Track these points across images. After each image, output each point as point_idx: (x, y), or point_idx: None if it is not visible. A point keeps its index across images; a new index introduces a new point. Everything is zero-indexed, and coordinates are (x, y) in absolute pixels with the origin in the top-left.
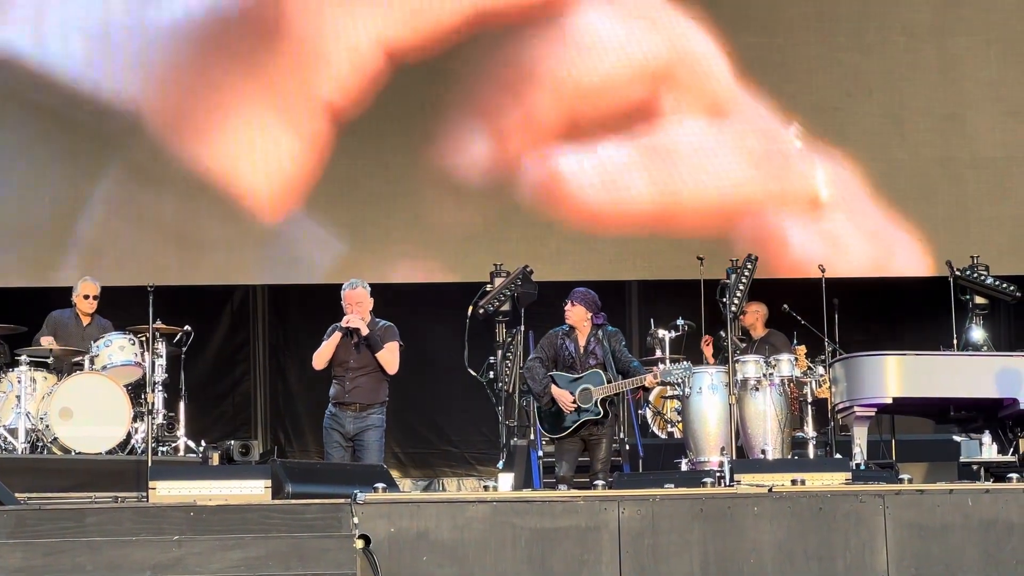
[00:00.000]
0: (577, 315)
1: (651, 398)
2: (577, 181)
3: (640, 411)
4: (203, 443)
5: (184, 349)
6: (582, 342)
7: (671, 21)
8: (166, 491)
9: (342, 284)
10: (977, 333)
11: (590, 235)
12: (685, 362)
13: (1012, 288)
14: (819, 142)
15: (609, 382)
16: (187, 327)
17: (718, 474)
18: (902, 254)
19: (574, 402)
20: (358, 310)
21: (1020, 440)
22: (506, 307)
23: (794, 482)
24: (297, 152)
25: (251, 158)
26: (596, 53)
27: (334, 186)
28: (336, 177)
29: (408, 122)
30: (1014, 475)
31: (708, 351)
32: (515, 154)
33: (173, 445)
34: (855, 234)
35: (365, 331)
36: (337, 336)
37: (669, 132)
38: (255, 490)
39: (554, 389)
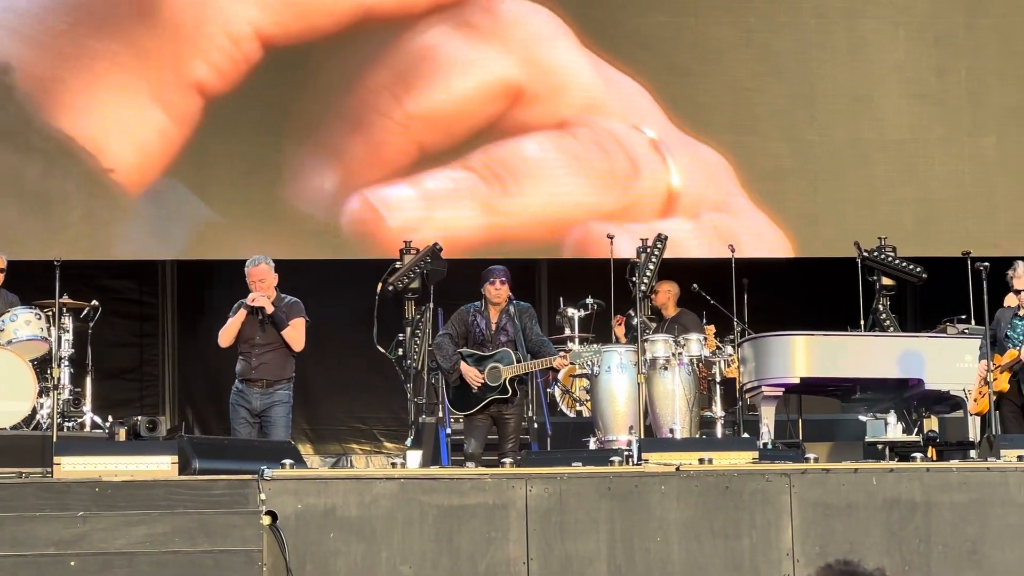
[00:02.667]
0: (504, 294)
1: (560, 377)
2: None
3: (549, 389)
4: (109, 419)
5: (91, 324)
6: (494, 319)
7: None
8: (71, 467)
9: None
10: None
11: None
12: (595, 344)
13: (918, 269)
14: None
15: (519, 361)
16: (94, 302)
17: (626, 453)
18: (810, 235)
19: (482, 380)
20: (262, 287)
21: (924, 420)
22: (415, 284)
23: (701, 461)
24: (165, 127)
25: (119, 130)
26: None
27: (199, 162)
28: (201, 153)
29: (276, 106)
30: (918, 455)
31: (620, 331)
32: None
33: (79, 421)
34: (762, 217)
35: (270, 309)
36: (242, 313)
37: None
38: (162, 466)
39: (463, 366)
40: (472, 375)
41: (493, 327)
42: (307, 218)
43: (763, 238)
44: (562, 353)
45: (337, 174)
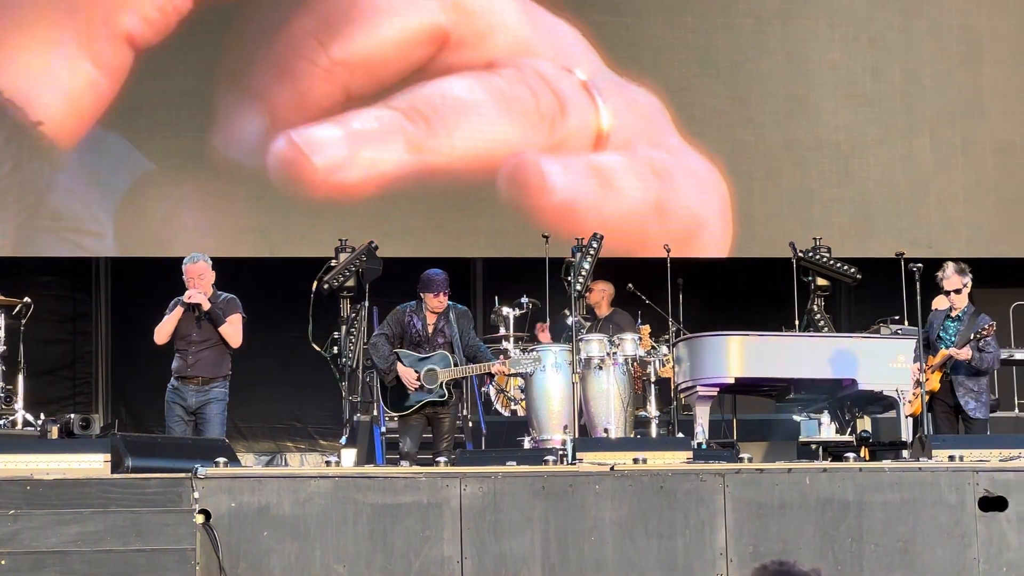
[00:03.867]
0: (445, 304)
1: (495, 376)
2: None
3: (483, 388)
4: (42, 416)
5: (23, 321)
6: (431, 320)
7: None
8: (2, 465)
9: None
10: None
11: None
12: (535, 352)
13: (853, 270)
14: None
15: (456, 364)
16: (27, 299)
17: (560, 452)
18: (746, 235)
19: (418, 381)
20: (199, 283)
21: (857, 420)
22: (351, 282)
23: (636, 461)
24: (95, 78)
25: (48, 82)
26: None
27: (131, 113)
28: (133, 104)
29: (205, 55)
30: (851, 455)
31: (544, 337)
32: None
33: (11, 419)
34: (697, 157)
35: (206, 306)
36: (179, 310)
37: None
38: (94, 464)
39: (399, 367)
40: (409, 377)
41: (430, 328)
42: (237, 165)
43: (699, 178)
44: (501, 359)
45: (264, 119)
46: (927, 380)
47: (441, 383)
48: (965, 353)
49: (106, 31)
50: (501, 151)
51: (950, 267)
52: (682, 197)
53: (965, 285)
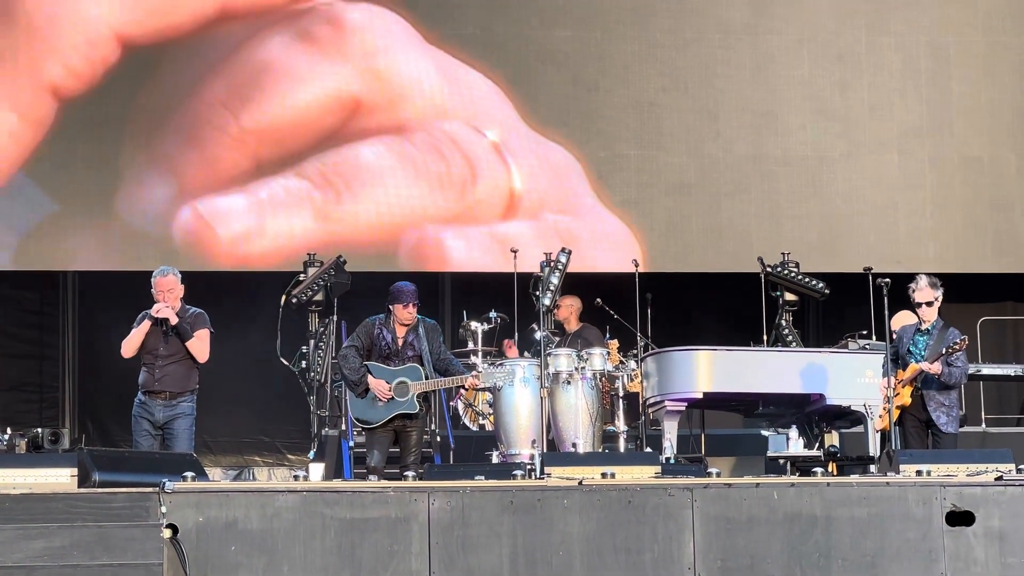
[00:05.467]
0: (414, 316)
1: (463, 390)
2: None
3: (452, 403)
4: (8, 431)
5: None
6: (400, 334)
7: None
8: None
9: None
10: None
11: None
12: (507, 365)
13: (821, 285)
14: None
15: (427, 378)
16: None
17: (528, 466)
18: (714, 250)
19: (390, 394)
20: (168, 297)
21: (825, 435)
22: (319, 297)
23: (604, 475)
24: (15, 129)
25: None
26: None
27: (50, 163)
28: (52, 155)
29: (121, 112)
30: (819, 469)
31: (511, 353)
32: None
33: None
34: (612, 219)
35: (174, 320)
36: (147, 324)
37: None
38: (61, 479)
39: (370, 379)
40: (381, 388)
41: (400, 341)
42: (141, 227)
43: (610, 240)
44: (474, 373)
45: (172, 186)
46: (898, 394)
47: (412, 395)
48: (935, 368)
49: (31, 81)
50: (408, 219)
51: (923, 279)
52: (587, 260)
53: (936, 299)
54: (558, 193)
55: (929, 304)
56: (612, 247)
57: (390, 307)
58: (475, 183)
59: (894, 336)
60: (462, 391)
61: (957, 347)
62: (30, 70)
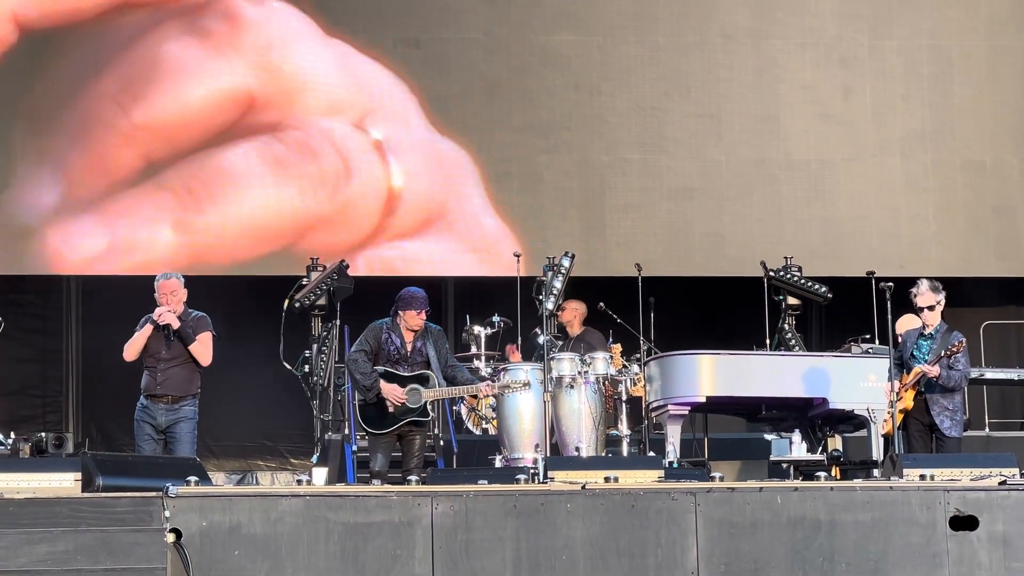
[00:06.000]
0: (423, 320)
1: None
2: None
3: (455, 407)
4: (12, 435)
5: None
6: (408, 339)
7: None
8: None
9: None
10: (789, 333)
11: None
12: (519, 373)
13: (823, 289)
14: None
15: (439, 385)
16: None
17: (532, 471)
18: (716, 254)
19: (404, 400)
20: (171, 300)
21: (828, 439)
22: (322, 301)
23: (607, 479)
24: None
25: None
26: None
27: None
28: None
29: (11, 101)
30: (822, 473)
31: (515, 358)
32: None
33: None
34: (495, 220)
35: (176, 325)
36: (149, 328)
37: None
38: (64, 483)
39: (383, 384)
40: (396, 395)
41: (409, 347)
42: (27, 229)
43: (488, 243)
44: (488, 382)
45: (60, 183)
46: (901, 398)
47: (425, 403)
48: (934, 370)
49: None
50: (275, 223)
51: (924, 284)
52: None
53: (939, 302)
54: (443, 192)
55: (931, 308)
56: (489, 249)
57: (399, 312)
58: (348, 181)
59: (899, 339)
60: (465, 396)
61: (955, 349)
62: None
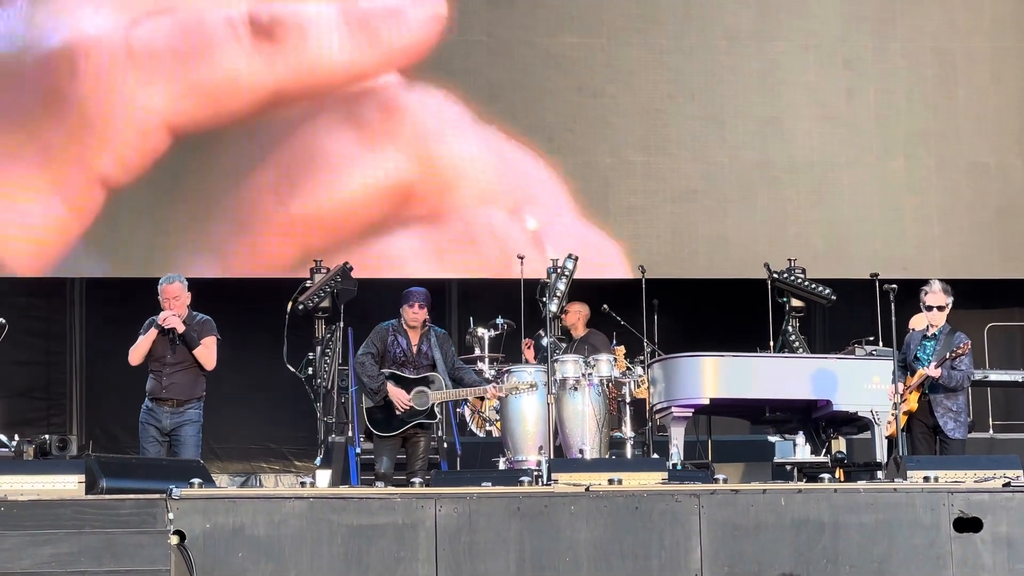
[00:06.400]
0: (422, 317)
1: (469, 397)
2: None
3: (459, 409)
4: (16, 438)
5: None
6: (414, 341)
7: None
8: None
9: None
10: (793, 335)
11: None
12: (527, 374)
13: (827, 291)
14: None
15: (445, 387)
16: (1, 319)
17: (535, 473)
18: (720, 256)
19: (411, 404)
20: (175, 304)
21: (832, 441)
22: (326, 303)
23: (611, 481)
24: (64, 220)
25: (13, 219)
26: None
27: (96, 252)
28: (98, 242)
29: (172, 198)
30: (826, 475)
31: (529, 354)
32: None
33: None
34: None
35: (181, 329)
36: (153, 332)
37: None
38: (68, 485)
39: (390, 387)
40: (401, 398)
41: (415, 349)
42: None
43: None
44: (495, 384)
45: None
46: (905, 400)
47: (432, 405)
48: (936, 372)
49: (81, 172)
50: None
51: (937, 284)
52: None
53: (948, 304)
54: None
55: (941, 308)
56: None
57: (401, 311)
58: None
59: (914, 331)
60: (468, 398)
61: (960, 351)
62: (80, 161)
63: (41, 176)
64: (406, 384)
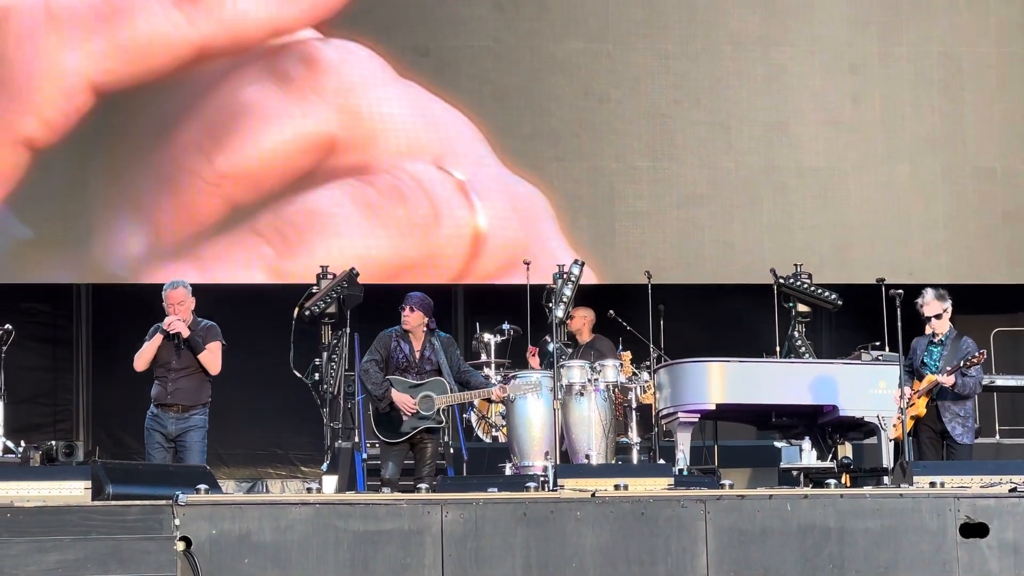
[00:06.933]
0: (415, 320)
1: (476, 402)
2: None
3: (465, 415)
4: (22, 444)
5: (4, 348)
6: (417, 346)
7: None
8: None
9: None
10: (799, 340)
11: None
12: (534, 376)
13: (834, 296)
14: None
15: (451, 391)
16: (7, 325)
17: (542, 478)
18: (726, 261)
19: (416, 409)
20: (179, 310)
21: (838, 446)
22: (332, 309)
23: (617, 487)
24: None
25: None
26: None
27: (20, 216)
28: (22, 208)
29: (95, 159)
30: (832, 481)
31: (534, 361)
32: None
33: None
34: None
35: (186, 333)
36: (159, 337)
37: None
38: (74, 491)
39: (395, 394)
40: (406, 403)
41: (417, 354)
42: (116, 275)
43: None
44: (500, 385)
45: (148, 233)
46: (913, 405)
47: (438, 409)
48: (949, 380)
49: (5, 135)
50: (366, 267)
51: (929, 293)
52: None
53: (945, 310)
54: (525, 232)
55: (938, 317)
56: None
57: None
58: (438, 225)
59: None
60: (475, 403)
61: (975, 360)
62: (4, 123)
63: None
64: (411, 389)
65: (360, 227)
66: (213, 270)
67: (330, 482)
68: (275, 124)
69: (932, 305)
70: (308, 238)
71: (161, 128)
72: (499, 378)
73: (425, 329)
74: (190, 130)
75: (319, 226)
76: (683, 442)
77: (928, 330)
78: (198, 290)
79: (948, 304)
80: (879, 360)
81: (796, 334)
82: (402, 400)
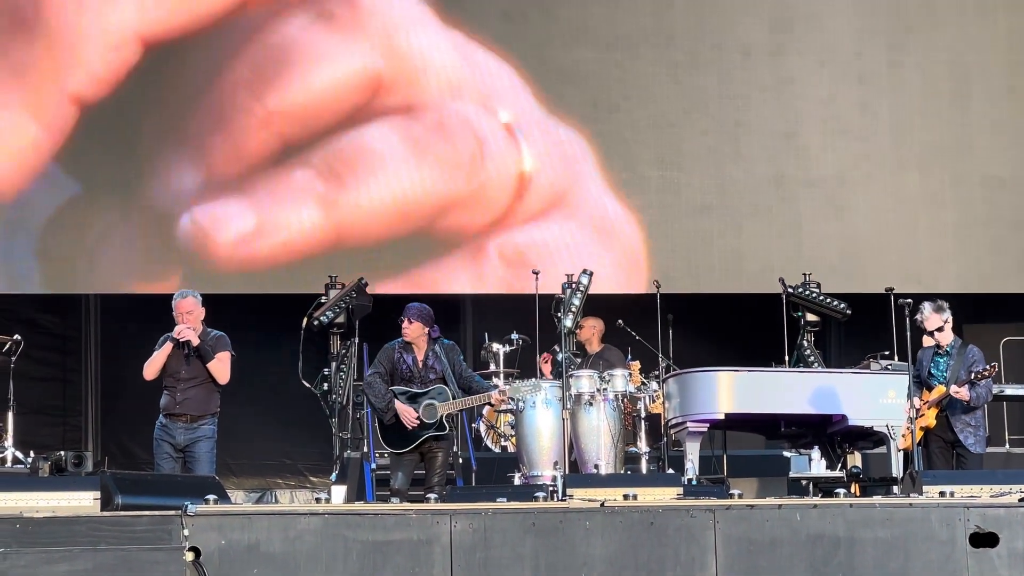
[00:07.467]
0: (415, 331)
1: (484, 412)
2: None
3: (474, 424)
4: (31, 454)
5: (13, 359)
6: (420, 356)
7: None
8: None
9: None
10: (808, 350)
11: None
12: (532, 379)
13: (842, 305)
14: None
15: (454, 398)
16: (16, 336)
17: (551, 488)
18: (735, 271)
19: (418, 418)
20: (188, 319)
21: (847, 456)
22: (341, 319)
23: (626, 497)
24: (37, 138)
25: None
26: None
27: (74, 168)
28: (76, 159)
29: (147, 107)
30: (841, 490)
31: (547, 368)
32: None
33: (0, 456)
34: (615, 204)
35: (196, 342)
36: (168, 347)
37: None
38: (84, 502)
39: (398, 405)
40: (409, 414)
41: (420, 364)
42: (170, 216)
43: (611, 229)
44: (500, 388)
45: (200, 170)
46: (923, 416)
47: (441, 417)
48: (964, 394)
49: (53, 90)
50: (413, 203)
51: (927, 307)
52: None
53: (946, 322)
54: (567, 177)
55: (940, 329)
56: (606, 231)
57: None
58: (483, 164)
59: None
60: (483, 413)
61: (986, 374)
62: (53, 80)
63: (12, 96)
64: (415, 399)
65: (407, 163)
66: (261, 204)
67: (339, 492)
68: (322, 63)
69: (932, 319)
70: (358, 173)
71: (210, 72)
72: (510, 380)
73: (427, 339)
74: (239, 72)
75: (368, 162)
76: (692, 452)
77: (932, 342)
78: (207, 300)
79: (948, 315)
80: (888, 369)
81: (805, 343)
82: (404, 411)
